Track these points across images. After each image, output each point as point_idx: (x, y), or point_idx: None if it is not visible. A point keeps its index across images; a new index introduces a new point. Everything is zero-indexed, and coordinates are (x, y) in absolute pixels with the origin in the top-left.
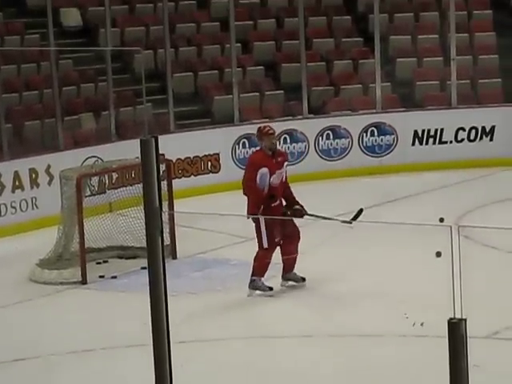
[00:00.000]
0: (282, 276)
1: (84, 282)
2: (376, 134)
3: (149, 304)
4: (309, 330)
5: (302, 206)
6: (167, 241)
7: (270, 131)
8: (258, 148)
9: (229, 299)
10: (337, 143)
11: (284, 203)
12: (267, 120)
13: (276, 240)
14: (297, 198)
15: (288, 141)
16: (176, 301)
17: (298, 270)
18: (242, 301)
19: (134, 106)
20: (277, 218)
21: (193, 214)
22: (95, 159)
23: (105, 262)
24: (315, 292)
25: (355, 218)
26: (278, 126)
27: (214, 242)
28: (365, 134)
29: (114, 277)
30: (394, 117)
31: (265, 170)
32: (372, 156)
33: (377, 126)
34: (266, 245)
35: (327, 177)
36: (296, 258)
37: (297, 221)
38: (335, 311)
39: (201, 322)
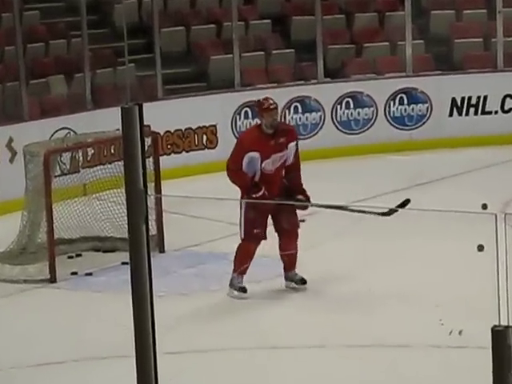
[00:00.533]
0: (284, 276)
1: (53, 279)
2: (406, 102)
3: (131, 307)
4: (320, 340)
5: (307, 198)
6: (153, 230)
7: (271, 106)
8: (257, 123)
9: (226, 301)
10: (358, 113)
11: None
12: (274, 85)
13: (255, 231)
14: (304, 186)
15: (299, 110)
16: (163, 303)
17: (304, 267)
18: (242, 304)
19: (113, 67)
20: (269, 202)
21: (184, 198)
22: (67, 131)
23: (78, 255)
24: (326, 294)
25: (396, 208)
26: (288, 93)
27: (210, 233)
28: (392, 103)
29: (89, 274)
30: (427, 81)
31: (255, 154)
32: (401, 129)
33: (407, 92)
34: (242, 235)
35: (346, 154)
36: (295, 254)
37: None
38: (351, 317)
39: (193, 328)
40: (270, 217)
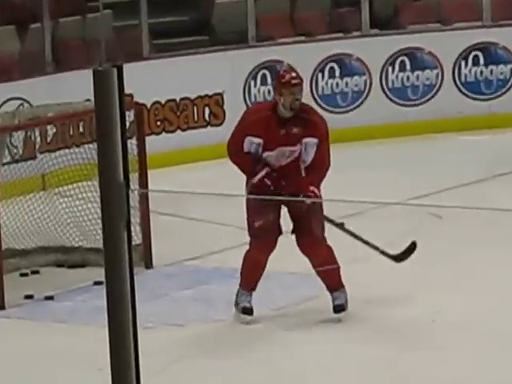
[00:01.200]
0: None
1: (0, 305)
2: (482, 62)
3: (107, 342)
4: (366, 381)
5: (311, 194)
6: (137, 239)
7: (293, 80)
8: (270, 101)
9: (235, 335)
10: (417, 77)
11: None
12: (302, 39)
13: (256, 225)
14: (315, 187)
15: (336, 73)
16: (151, 337)
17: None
18: (257, 338)
19: (82, 14)
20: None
21: (179, 194)
22: (19, 103)
23: (34, 272)
24: (373, 324)
25: (405, 254)
26: (321, 50)
27: (214, 241)
28: (463, 63)
29: (50, 297)
30: (511, 34)
31: (255, 140)
32: (475, 98)
33: (484, 48)
34: (248, 236)
35: (400, 132)
36: (333, 271)
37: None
38: (407, 355)
39: (189, 371)
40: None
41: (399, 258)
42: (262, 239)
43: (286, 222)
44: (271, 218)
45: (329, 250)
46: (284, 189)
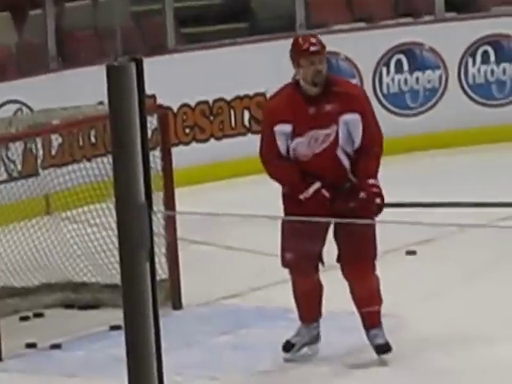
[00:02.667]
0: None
1: None
2: None
3: None
4: None
5: (373, 193)
6: (163, 272)
7: (312, 48)
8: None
9: None
10: (504, 71)
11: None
12: (362, 25)
13: (287, 258)
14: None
15: (405, 67)
16: None
17: (418, 326)
18: None
19: None
20: (310, 219)
21: (213, 218)
22: (17, 107)
23: (38, 315)
24: (439, 376)
25: None
26: (386, 38)
27: (258, 274)
28: None
29: (57, 346)
30: None
31: (284, 128)
32: None
33: None
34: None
35: (484, 137)
36: (373, 310)
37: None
38: None
39: None
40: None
41: None
42: (298, 267)
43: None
44: (307, 248)
45: (376, 281)
46: (330, 193)
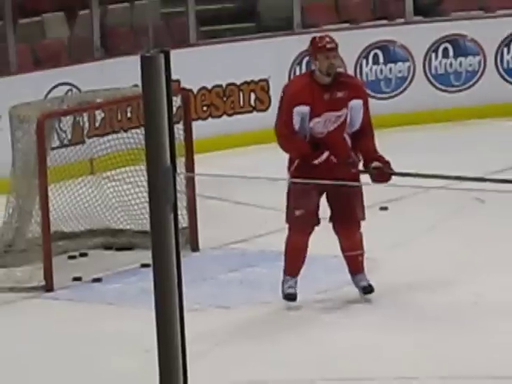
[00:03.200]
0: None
1: (49, 287)
2: None
3: (154, 325)
4: (406, 370)
5: (386, 162)
6: (184, 222)
7: (328, 45)
8: (309, 69)
9: (281, 318)
10: (460, 64)
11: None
12: (347, 26)
13: (297, 213)
14: (380, 153)
15: (380, 60)
16: (197, 319)
17: (385, 271)
18: (302, 321)
19: (130, 0)
20: (323, 182)
21: (226, 179)
22: (68, 88)
23: (83, 255)
24: (415, 308)
25: None
26: (365, 37)
27: (260, 224)
28: (506, 50)
29: (98, 279)
30: None
31: (304, 109)
32: None
33: None
34: (286, 221)
35: (443, 118)
36: (358, 255)
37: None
38: (449, 339)
39: (236, 353)
40: (324, 197)
41: None
42: (302, 225)
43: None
44: (312, 206)
45: (360, 236)
46: (335, 165)
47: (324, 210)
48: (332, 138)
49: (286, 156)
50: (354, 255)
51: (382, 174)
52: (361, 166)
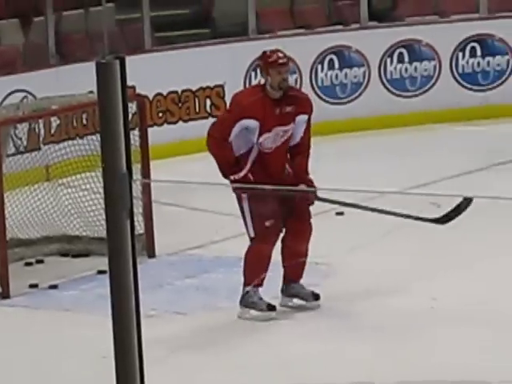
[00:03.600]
0: (282, 289)
1: (5, 294)
2: (479, 53)
3: (110, 331)
4: (363, 376)
5: (311, 184)
6: (140, 228)
7: (280, 60)
8: (259, 82)
9: (237, 324)
10: (415, 68)
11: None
12: (302, 31)
13: (267, 224)
14: (309, 173)
15: (335, 65)
16: (154, 325)
17: (341, 277)
18: (257, 327)
19: (85, 7)
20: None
21: (181, 185)
22: (23, 95)
23: (39, 262)
24: (371, 313)
25: (453, 213)
26: (320, 42)
27: (214, 230)
28: (461, 54)
29: (54, 286)
30: (507, 25)
31: (251, 123)
32: (472, 89)
33: (480, 40)
34: (251, 232)
35: (399, 123)
36: (304, 262)
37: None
38: (406, 344)
39: (192, 359)
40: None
41: (443, 219)
42: (271, 235)
43: None
44: (277, 213)
45: (306, 241)
46: (277, 179)
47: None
48: (278, 153)
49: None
50: (298, 261)
51: (308, 197)
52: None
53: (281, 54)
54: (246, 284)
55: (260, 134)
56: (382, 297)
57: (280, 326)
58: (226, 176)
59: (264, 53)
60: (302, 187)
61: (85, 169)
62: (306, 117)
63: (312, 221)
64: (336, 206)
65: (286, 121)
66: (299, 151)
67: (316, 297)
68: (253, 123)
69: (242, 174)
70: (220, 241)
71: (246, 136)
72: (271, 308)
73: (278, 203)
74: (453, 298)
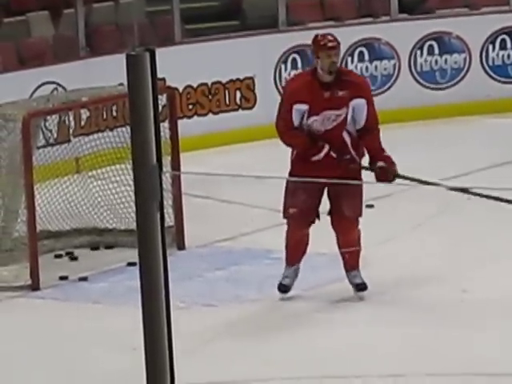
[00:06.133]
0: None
1: (35, 286)
2: (510, 45)
3: (141, 323)
4: (396, 367)
5: (391, 163)
6: (170, 220)
7: (330, 44)
8: (309, 68)
9: (269, 316)
10: (446, 61)
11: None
12: (332, 23)
13: (290, 212)
14: (386, 151)
15: (365, 57)
16: (184, 317)
17: (372, 268)
18: (290, 318)
19: (115, 0)
20: (322, 181)
21: (212, 177)
22: (53, 87)
23: (69, 254)
24: (404, 304)
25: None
26: (350, 34)
27: (246, 223)
28: (491, 47)
29: (84, 278)
30: None
31: (301, 106)
32: (503, 82)
33: (511, 32)
34: (282, 215)
35: (429, 115)
36: (356, 251)
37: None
38: (438, 334)
39: (223, 352)
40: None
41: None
42: (297, 221)
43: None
44: (308, 204)
45: (358, 233)
46: (333, 161)
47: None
48: (330, 135)
49: (274, 152)
50: (349, 251)
51: (386, 174)
52: (367, 163)
53: (331, 38)
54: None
55: (308, 117)
56: (412, 289)
57: (310, 317)
58: (307, 157)
59: (315, 36)
60: (380, 164)
61: (115, 161)
62: (363, 100)
63: (362, 211)
64: (366, 199)
65: (338, 105)
66: (367, 132)
67: (360, 287)
68: (302, 107)
69: (322, 154)
70: (250, 233)
71: (302, 121)
72: (281, 288)
73: (314, 191)
74: (483, 290)
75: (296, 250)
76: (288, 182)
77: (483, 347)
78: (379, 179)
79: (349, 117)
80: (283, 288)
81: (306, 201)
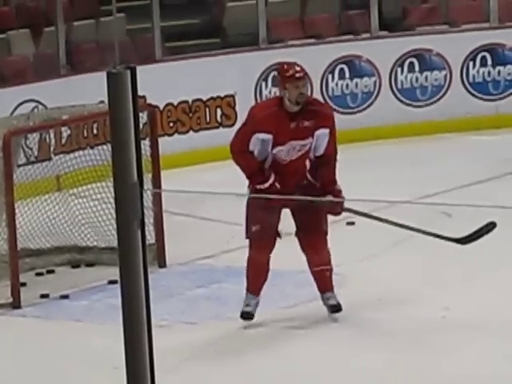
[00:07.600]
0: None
1: (16, 304)
2: (490, 62)
3: (122, 341)
4: (374, 382)
5: (340, 197)
6: (151, 238)
7: (297, 74)
8: (275, 96)
9: (247, 333)
10: (426, 78)
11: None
12: (312, 41)
13: (253, 229)
14: (337, 183)
15: (346, 75)
16: (165, 335)
17: (352, 286)
18: (268, 337)
19: (96, 17)
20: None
21: (192, 195)
22: (34, 105)
23: (50, 272)
24: (382, 324)
25: (475, 235)
26: (331, 52)
27: (225, 240)
28: (471, 64)
29: (65, 296)
30: None
31: (265, 136)
32: (483, 99)
33: (491, 49)
34: (244, 235)
35: (410, 132)
36: (326, 270)
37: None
38: (416, 355)
39: (203, 368)
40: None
41: (465, 240)
42: (260, 240)
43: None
44: (269, 222)
45: (328, 252)
46: (292, 188)
47: (290, 224)
48: (294, 165)
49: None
50: (322, 270)
51: (334, 207)
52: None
53: (298, 68)
54: (246, 289)
55: (273, 147)
56: (393, 306)
57: (291, 335)
58: (251, 183)
59: (281, 66)
60: (330, 198)
61: (96, 179)
62: (326, 131)
63: (328, 229)
64: (346, 216)
65: (303, 135)
66: (324, 162)
67: (334, 309)
68: (266, 136)
69: (266, 184)
70: (231, 250)
71: (263, 146)
72: (244, 316)
73: (275, 211)
74: (464, 307)
75: (257, 277)
76: (249, 200)
77: (464, 365)
78: (327, 212)
79: (313, 146)
80: (246, 315)
81: (266, 218)
